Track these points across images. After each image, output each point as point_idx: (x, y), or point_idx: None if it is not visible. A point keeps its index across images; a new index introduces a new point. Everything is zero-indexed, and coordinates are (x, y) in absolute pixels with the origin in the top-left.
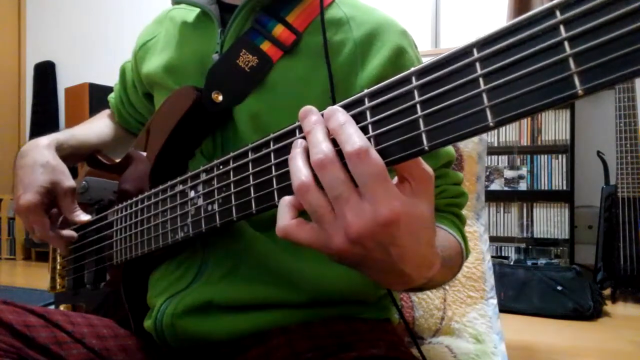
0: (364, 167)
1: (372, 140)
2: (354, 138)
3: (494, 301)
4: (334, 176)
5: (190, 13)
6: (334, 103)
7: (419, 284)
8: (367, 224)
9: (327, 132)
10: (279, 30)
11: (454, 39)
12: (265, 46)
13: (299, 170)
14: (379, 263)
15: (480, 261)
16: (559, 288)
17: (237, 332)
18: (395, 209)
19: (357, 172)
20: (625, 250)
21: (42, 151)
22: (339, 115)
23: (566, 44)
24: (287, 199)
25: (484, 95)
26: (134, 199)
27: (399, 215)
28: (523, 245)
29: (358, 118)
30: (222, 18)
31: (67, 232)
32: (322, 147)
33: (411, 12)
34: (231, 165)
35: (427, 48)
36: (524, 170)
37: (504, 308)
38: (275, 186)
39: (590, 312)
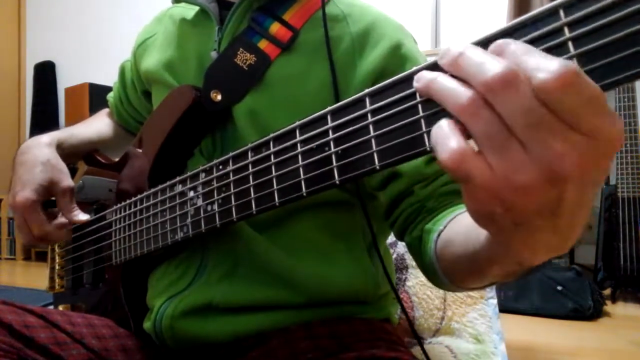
0: (576, 96)
1: None
2: (551, 61)
3: (494, 301)
4: (527, 97)
5: (189, 11)
6: (336, 98)
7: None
8: (591, 159)
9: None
10: (275, 28)
11: (454, 39)
12: (263, 44)
13: (456, 88)
14: (545, 222)
15: None
16: (559, 288)
17: (236, 333)
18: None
19: (566, 102)
20: (625, 250)
21: (43, 149)
22: (516, 45)
23: (570, 44)
24: (447, 122)
25: None
26: (133, 199)
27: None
28: None
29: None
30: (221, 16)
31: (62, 220)
32: (497, 62)
33: (411, 12)
34: (231, 165)
35: (427, 48)
36: None
37: (504, 308)
38: (275, 187)
39: (590, 312)
